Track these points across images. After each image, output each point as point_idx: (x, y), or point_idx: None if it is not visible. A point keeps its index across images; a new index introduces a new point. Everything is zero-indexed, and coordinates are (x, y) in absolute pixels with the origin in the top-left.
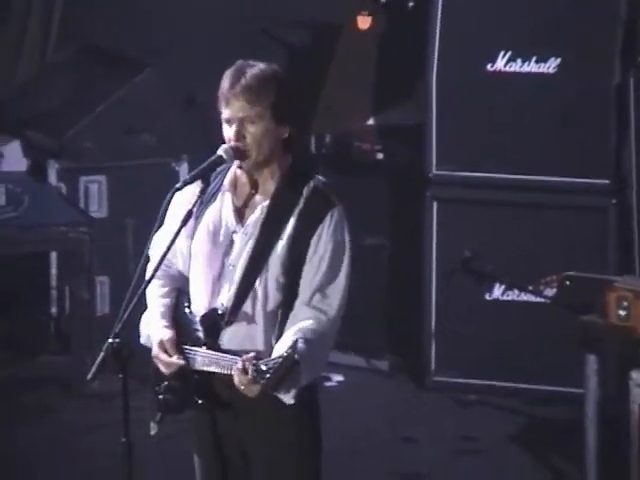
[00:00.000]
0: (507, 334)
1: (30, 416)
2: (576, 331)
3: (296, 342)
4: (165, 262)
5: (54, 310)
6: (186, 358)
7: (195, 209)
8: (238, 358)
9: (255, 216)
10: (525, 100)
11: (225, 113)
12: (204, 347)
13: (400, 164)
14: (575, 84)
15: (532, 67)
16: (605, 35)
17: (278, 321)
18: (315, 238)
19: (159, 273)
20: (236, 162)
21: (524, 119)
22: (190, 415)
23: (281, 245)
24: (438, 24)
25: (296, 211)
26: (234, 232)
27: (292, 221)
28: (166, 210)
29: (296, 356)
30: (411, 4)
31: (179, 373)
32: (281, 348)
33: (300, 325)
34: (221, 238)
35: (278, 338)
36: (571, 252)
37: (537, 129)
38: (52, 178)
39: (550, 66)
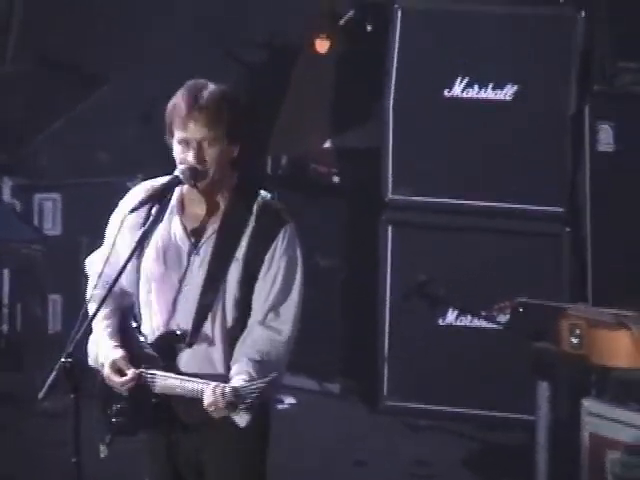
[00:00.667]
0: (460, 359)
1: None
2: (529, 357)
3: (260, 365)
4: (106, 281)
5: (5, 327)
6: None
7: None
8: (204, 381)
9: (207, 237)
10: (481, 126)
11: (180, 134)
12: (161, 370)
13: (356, 187)
14: (531, 111)
15: (489, 94)
16: (561, 63)
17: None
18: (269, 255)
19: (101, 292)
20: (188, 182)
21: (480, 145)
22: (142, 437)
23: (235, 266)
24: (396, 48)
25: (248, 230)
26: (189, 254)
27: (245, 240)
28: (116, 228)
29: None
30: (369, 27)
31: (136, 391)
32: (239, 370)
33: (256, 347)
34: (173, 260)
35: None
36: (525, 278)
37: (493, 155)
38: (6, 195)
39: (507, 93)
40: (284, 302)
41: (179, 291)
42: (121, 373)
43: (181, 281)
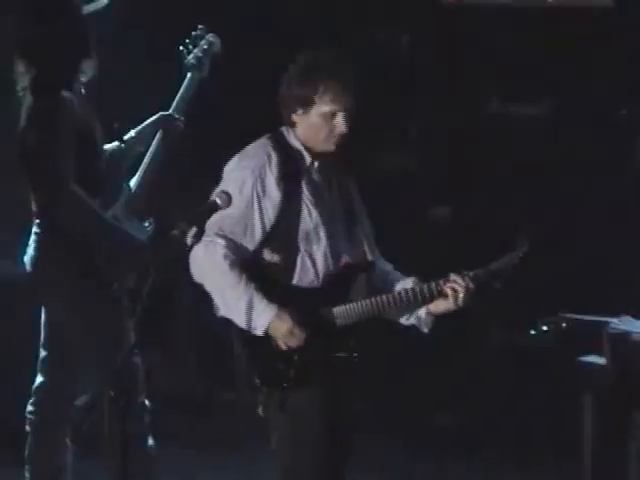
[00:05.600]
0: None
1: None
2: (575, 371)
3: None
4: (234, 248)
5: None
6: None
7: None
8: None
9: (340, 192)
10: None
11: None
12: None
13: None
14: None
15: None
16: None
17: None
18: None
19: (234, 259)
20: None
21: None
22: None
23: (356, 201)
24: None
25: (352, 183)
26: (332, 208)
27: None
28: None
29: None
30: None
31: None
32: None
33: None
34: (325, 213)
35: None
36: None
37: None
38: None
39: None
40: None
41: (338, 234)
42: (292, 330)
43: (336, 224)
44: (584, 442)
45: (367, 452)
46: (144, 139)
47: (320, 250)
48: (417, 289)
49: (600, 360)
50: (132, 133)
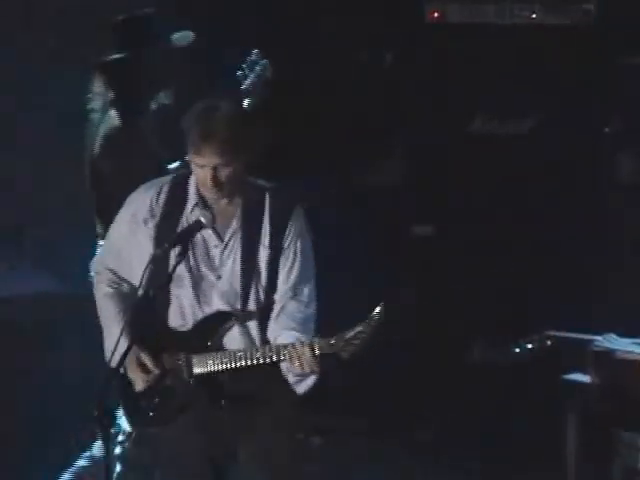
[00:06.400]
0: None
1: None
2: (559, 390)
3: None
4: (116, 282)
5: None
6: (182, 364)
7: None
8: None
9: (233, 229)
10: None
11: (196, 160)
12: (200, 351)
13: None
14: None
15: None
16: None
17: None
18: (286, 237)
19: (111, 291)
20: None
21: None
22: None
23: (263, 251)
24: None
25: (266, 218)
26: (216, 246)
27: (266, 227)
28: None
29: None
30: None
31: (165, 381)
32: (287, 338)
33: (293, 319)
34: (201, 253)
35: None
36: None
37: None
38: None
39: None
40: (305, 278)
41: (212, 281)
42: (143, 368)
43: (213, 272)
44: (568, 459)
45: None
46: None
47: (188, 294)
48: (266, 348)
49: (584, 378)
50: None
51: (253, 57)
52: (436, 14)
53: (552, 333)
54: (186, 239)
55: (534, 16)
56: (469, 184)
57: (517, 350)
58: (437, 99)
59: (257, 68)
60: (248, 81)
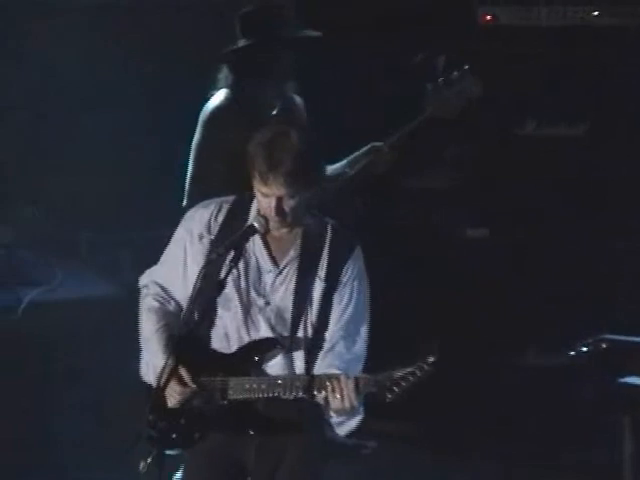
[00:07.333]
0: None
1: None
2: (614, 393)
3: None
4: (163, 298)
5: None
6: (218, 386)
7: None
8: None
9: (291, 258)
10: None
11: (260, 188)
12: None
13: None
14: None
15: None
16: None
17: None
18: (344, 274)
19: (157, 305)
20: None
21: None
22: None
23: (318, 283)
24: None
25: (325, 252)
26: (270, 272)
27: (324, 260)
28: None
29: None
30: None
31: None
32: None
33: (342, 358)
34: (254, 279)
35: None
36: None
37: None
38: None
39: None
40: (359, 320)
41: (260, 306)
42: (181, 381)
43: (262, 297)
44: (624, 464)
45: None
46: (354, 165)
47: (234, 316)
48: (308, 378)
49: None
50: (344, 161)
51: (458, 72)
52: (488, 17)
53: (608, 336)
54: (240, 244)
55: (590, 17)
56: (522, 186)
57: (573, 353)
58: (487, 101)
59: (456, 85)
60: (438, 94)
